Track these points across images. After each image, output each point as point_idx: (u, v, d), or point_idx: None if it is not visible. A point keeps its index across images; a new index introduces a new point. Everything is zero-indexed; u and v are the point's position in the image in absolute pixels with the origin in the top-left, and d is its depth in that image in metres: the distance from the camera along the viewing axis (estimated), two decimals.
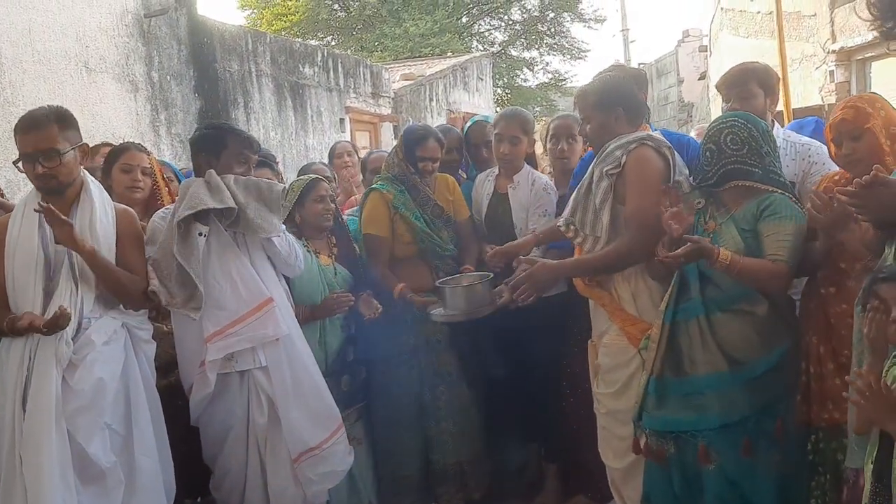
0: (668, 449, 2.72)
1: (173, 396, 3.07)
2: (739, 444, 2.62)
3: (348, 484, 3.34)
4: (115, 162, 3.32)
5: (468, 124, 4.10)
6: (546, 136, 3.72)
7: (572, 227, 2.97)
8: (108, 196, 2.86)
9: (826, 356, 2.62)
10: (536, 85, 25.22)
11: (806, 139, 3.16)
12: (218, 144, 2.96)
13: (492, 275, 3.26)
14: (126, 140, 6.07)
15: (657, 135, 2.90)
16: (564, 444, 3.62)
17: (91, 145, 2.99)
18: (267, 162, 4.06)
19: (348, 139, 10.21)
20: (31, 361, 2.54)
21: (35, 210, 2.60)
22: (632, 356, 2.89)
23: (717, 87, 3.24)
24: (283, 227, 3.12)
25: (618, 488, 3.06)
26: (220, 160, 2.95)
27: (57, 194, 2.69)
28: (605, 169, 2.85)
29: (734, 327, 2.66)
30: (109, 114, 6.63)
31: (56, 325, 2.50)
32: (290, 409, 2.99)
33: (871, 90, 9.69)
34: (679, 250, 2.55)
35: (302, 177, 3.50)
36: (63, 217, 2.56)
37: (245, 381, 3.02)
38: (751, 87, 3.12)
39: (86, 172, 2.80)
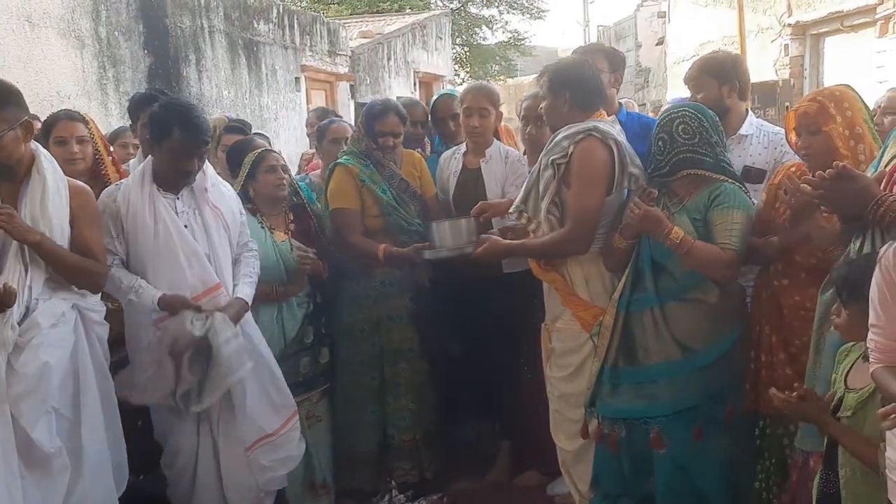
0: (620, 433, 2.78)
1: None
2: (691, 430, 2.68)
3: (304, 461, 3.31)
4: (48, 136, 3.16)
5: (434, 98, 4.09)
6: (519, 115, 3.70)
7: (525, 215, 2.99)
8: (62, 172, 2.71)
9: (777, 345, 2.68)
10: (495, 44, 25.02)
11: (778, 129, 3.18)
12: (162, 134, 2.81)
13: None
14: (71, 99, 5.89)
15: (605, 125, 2.89)
16: (518, 422, 3.66)
17: (35, 103, 2.81)
18: (241, 128, 3.98)
19: (307, 102, 9.96)
20: None
21: None
22: (584, 341, 2.93)
23: (684, 82, 3.27)
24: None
25: (568, 469, 3.11)
26: (161, 149, 2.84)
27: (1, 176, 2.57)
28: (551, 158, 2.86)
29: (687, 316, 2.71)
30: (54, 71, 6.36)
31: (1, 302, 2.38)
32: (246, 396, 2.96)
33: (824, 66, 9.82)
34: (637, 211, 2.64)
35: (251, 153, 3.38)
36: (3, 212, 2.43)
37: None
38: (701, 78, 3.16)
39: (38, 147, 2.65)
